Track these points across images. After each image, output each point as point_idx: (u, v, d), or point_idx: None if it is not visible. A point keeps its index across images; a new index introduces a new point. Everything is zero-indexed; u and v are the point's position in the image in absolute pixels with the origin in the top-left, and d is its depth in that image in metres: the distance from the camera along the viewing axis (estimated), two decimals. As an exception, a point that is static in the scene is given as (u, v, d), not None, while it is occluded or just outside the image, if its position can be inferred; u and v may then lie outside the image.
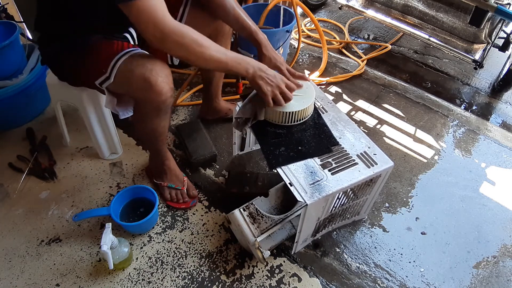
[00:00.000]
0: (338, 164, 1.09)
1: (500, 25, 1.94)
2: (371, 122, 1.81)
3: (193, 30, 0.96)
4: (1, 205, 1.34)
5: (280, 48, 1.92)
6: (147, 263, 1.20)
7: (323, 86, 2.02)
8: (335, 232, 1.31)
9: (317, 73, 2.06)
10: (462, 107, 1.98)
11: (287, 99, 1.12)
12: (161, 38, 0.91)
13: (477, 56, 1.96)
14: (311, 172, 1.07)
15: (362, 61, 2.20)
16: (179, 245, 1.25)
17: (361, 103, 1.92)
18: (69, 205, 1.35)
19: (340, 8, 2.42)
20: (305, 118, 1.21)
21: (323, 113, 1.26)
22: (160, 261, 1.20)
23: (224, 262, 1.21)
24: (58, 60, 1.15)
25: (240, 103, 1.28)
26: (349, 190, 1.17)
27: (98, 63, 1.06)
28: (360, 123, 1.79)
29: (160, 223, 1.31)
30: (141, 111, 1.15)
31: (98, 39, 1.09)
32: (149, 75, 1.00)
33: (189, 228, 1.30)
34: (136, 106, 1.16)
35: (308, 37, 2.42)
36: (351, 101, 1.93)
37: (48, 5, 1.07)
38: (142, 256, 1.22)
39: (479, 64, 1.96)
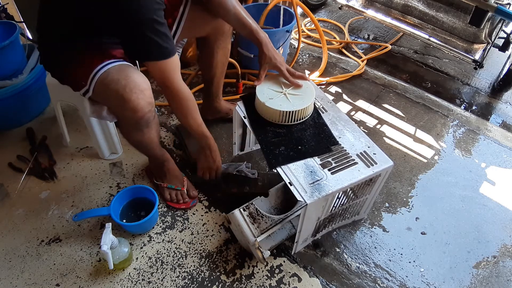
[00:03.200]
0: (338, 164, 1.09)
1: (500, 25, 1.94)
2: (371, 122, 1.81)
3: (190, 98, 1.12)
4: (1, 205, 1.34)
5: (280, 48, 1.92)
6: (147, 263, 1.20)
7: (323, 86, 2.02)
8: (335, 232, 1.31)
9: (317, 73, 2.06)
10: (462, 107, 1.98)
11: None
12: (166, 92, 1.08)
13: (477, 56, 1.96)
14: (311, 172, 1.07)
15: (362, 61, 2.20)
16: (179, 245, 1.25)
17: (361, 103, 1.92)
18: (69, 205, 1.35)
19: (340, 8, 2.42)
20: (305, 117, 1.21)
21: (323, 112, 1.26)
22: (160, 261, 1.20)
23: (224, 262, 1.21)
24: (52, 64, 1.14)
25: (240, 103, 1.28)
26: (349, 189, 1.17)
27: (79, 75, 1.05)
28: (360, 123, 1.79)
29: (160, 223, 1.31)
30: (121, 125, 1.15)
31: (85, 47, 1.06)
32: (123, 92, 0.98)
33: (189, 228, 1.30)
34: (118, 120, 1.16)
35: (308, 37, 2.42)
36: (351, 101, 1.93)
37: (47, 7, 1.06)
38: (142, 256, 1.22)
39: (479, 64, 1.96)
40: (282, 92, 1.22)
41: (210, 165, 1.33)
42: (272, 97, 1.20)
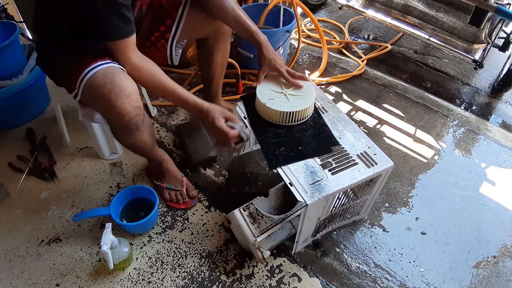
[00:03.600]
0: (338, 164, 1.09)
1: (500, 25, 1.94)
2: (371, 122, 1.81)
3: (152, 68, 1.07)
4: (1, 205, 1.34)
5: (280, 48, 1.92)
6: (147, 263, 1.20)
7: (323, 86, 2.02)
8: (335, 232, 1.31)
9: (317, 73, 2.06)
10: (462, 107, 1.98)
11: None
12: (128, 72, 1.04)
13: (477, 56, 1.96)
14: (311, 172, 1.07)
15: (362, 61, 2.20)
16: (179, 245, 1.25)
17: (361, 103, 1.92)
18: (69, 205, 1.35)
19: (340, 8, 2.42)
20: (305, 118, 1.21)
21: (323, 113, 1.26)
22: (160, 261, 1.20)
23: (224, 262, 1.21)
24: (48, 66, 1.14)
25: (240, 103, 1.28)
26: (349, 190, 1.17)
27: (69, 79, 1.05)
28: (360, 123, 1.79)
29: (160, 223, 1.31)
30: (111, 129, 1.15)
31: (76, 50, 1.06)
32: (108, 97, 0.97)
33: (189, 228, 1.30)
34: (107, 123, 1.15)
35: (308, 37, 2.42)
36: (351, 101, 1.93)
37: (42, 8, 1.06)
38: (142, 256, 1.22)
39: (479, 64, 1.96)
40: (282, 93, 1.22)
41: (215, 133, 1.14)
42: (272, 97, 1.20)
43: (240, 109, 1.27)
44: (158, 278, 1.16)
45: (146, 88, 1.11)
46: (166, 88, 1.09)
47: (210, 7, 1.21)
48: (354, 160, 1.11)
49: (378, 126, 1.79)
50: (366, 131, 1.75)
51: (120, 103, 0.99)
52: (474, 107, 1.99)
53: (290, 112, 1.16)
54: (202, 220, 1.33)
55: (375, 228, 1.34)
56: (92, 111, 1.16)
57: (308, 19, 2.53)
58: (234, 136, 1.11)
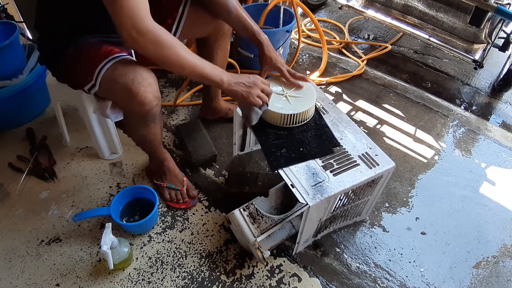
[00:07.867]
0: (339, 165, 1.09)
1: (500, 25, 1.94)
2: (371, 122, 1.81)
3: (170, 34, 0.93)
4: (1, 205, 1.34)
5: (280, 48, 1.92)
6: (147, 263, 1.20)
7: (323, 86, 2.02)
8: (335, 232, 1.31)
9: (317, 73, 2.05)
10: (462, 107, 1.98)
11: (263, 101, 1.11)
12: (137, 36, 0.86)
13: (477, 56, 1.96)
14: (313, 174, 1.07)
15: (362, 61, 2.20)
16: (179, 245, 1.25)
17: (361, 103, 1.92)
18: (69, 205, 1.35)
19: (340, 8, 2.41)
20: (306, 120, 1.21)
21: (324, 114, 1.26)
22: (160, 261, 1.20)
23: (224, 262, 1.21)
24: (54, 62, 1.14)
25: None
26: (350, 191, 1.17)
27: (85, 70, 1.05)
28: (360, 123, 1.79)
29: (160, 223, 1.31)
30: (128, 120, 1.15)
31: (89, 43, 1.06)
32: (131, 85, 0.98)
33: (189, 228, 1.30)
34: (124, 114, 1.16)
35: (308, 37, 2.42)
36: (351, 101, 1.93)
37: (47, 2, 1.06)
38: (142, 256, 1.22)
39: (479, 64, 1.96)
40: (283, 94, 1.21)
41: (253, 90, 1.09)
42: (273, 99, 1.19)
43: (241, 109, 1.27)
44: (158, 278, 1.16)
45: (162, 58, 0.93)
46: (189, 61, 0.97)
47: (214, 5, 1.21)
48: (355, 161, 1.11)
49: (378, 126, 1.79)
50: (366, 131, 1.75)
51: (142, 92, 0.99)
52: (474, 107, 1.99)
53: (290, 115, 1.15)
54: (202, 220, 1.33)
55: (375, 228, 1.34)
56: (104, 105, 1.15)
57: (308, 19, 2.53)
58: (260, 80, 1.09)
